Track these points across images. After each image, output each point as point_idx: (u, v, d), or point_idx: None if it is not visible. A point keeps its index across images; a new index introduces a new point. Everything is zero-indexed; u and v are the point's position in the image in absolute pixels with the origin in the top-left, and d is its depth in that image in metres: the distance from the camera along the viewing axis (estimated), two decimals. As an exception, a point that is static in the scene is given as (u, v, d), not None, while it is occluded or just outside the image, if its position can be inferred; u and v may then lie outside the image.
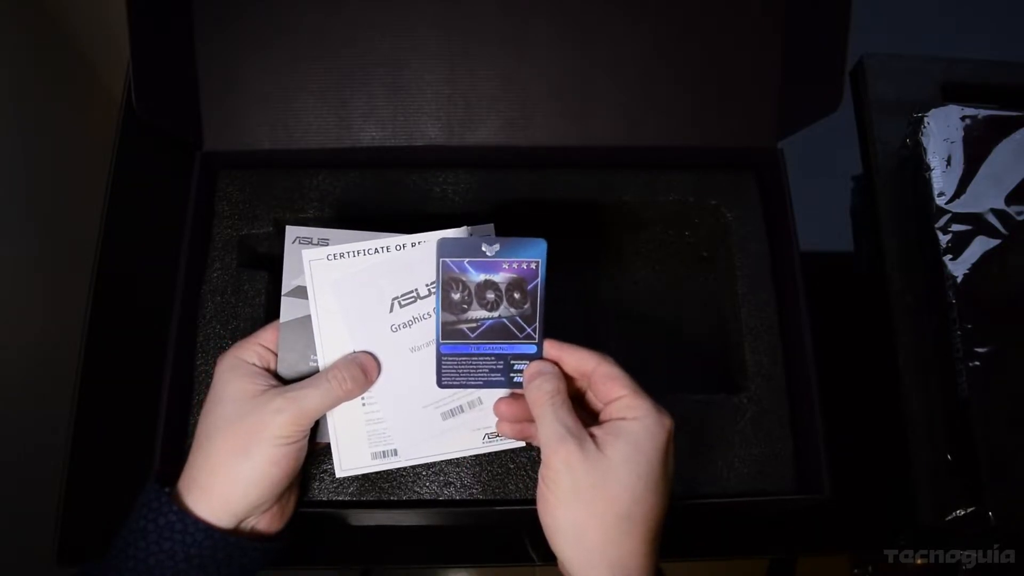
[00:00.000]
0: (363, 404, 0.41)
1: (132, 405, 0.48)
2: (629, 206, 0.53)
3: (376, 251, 0.41)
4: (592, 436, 0.36)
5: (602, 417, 0.38)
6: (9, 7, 0.66)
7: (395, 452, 0.41)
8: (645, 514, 0.35)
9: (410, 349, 0.41)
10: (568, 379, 0.39)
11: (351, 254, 0.41)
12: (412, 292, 0.41)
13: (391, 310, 0.41)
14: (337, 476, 0.41)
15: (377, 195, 0.52)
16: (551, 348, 0.39)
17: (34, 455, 0.64)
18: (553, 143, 0.51)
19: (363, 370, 0.40)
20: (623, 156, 0.53)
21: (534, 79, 0.51)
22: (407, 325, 0.41)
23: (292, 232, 0.43)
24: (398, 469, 0.46)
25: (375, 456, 0.41)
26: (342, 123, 0.51)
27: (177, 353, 0.45)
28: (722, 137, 0.52)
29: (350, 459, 0.41)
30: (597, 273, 0.55)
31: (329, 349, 0.41)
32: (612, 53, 0.51)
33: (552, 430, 0.36)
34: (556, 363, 0.39)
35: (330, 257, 0.40)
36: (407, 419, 0.41)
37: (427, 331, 0.41)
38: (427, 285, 0.41)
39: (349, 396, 0.40)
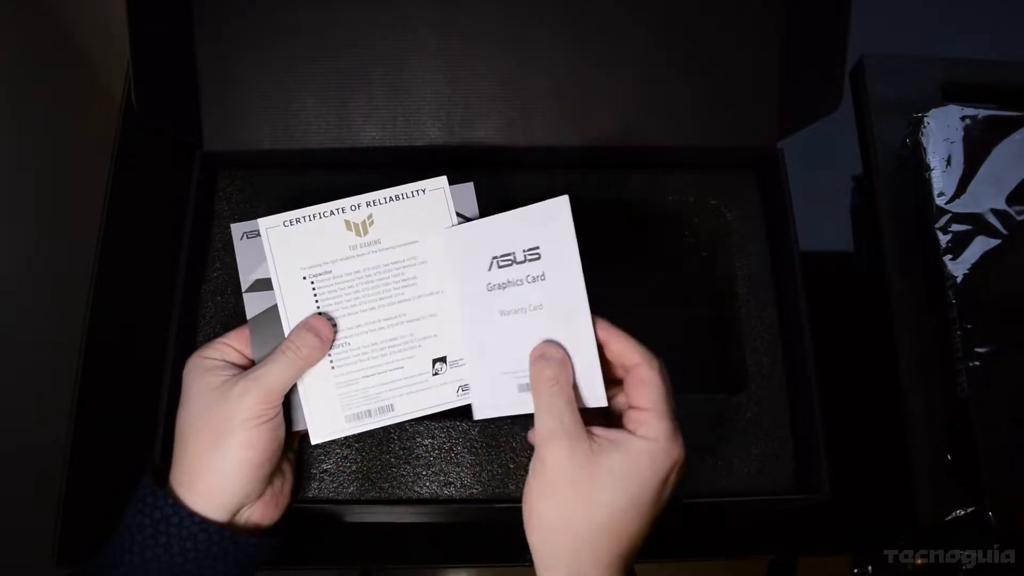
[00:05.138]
0: (332, 367, 0.41)
1: (132, 405, 0.48)
2: (629, 206, 0.53)
3: (326, 214, 0.41)
4: (593, 436, 0.35)
5: (621, 420, 0.37)
6: (9, 7, 0.66)
7: (391, 407, 0.41)
8: (621, 531, 0.34)
9: (500, 312, 0.40)
10: (608, 364, 0.38)
11: (306, 219, 0.41)
12: (510, 255, 0.40)
13: (489, 268, 0.40)
14: (313, 443, 0.41)
15: (377, 195, 0.52)
16: (600, 330, 0.37)
17: (34, 455, 0.64)
18: (553, 143, 0.51)
19: (314, 333, 0.40)
20: (623, 156, 0.53)
21: (534, 79, 0.51)
22: (501, 287, 0.40)
23: (238, 229, 0.43)
24: (396, 468, 0.46)
25: (350, 419, 0.41)
26: (342, 123, 0.51)
27: (177, 353, 0.45)
28: (722, 137, 0.52)
29: (324, 424, 0.41)
30: (596, 273, 0.55)
31: (293, 317, 0.41)
32: (612, 53, 0.51)
33: (544, 422, 0.35)
34: (601, 345, 0.37)
35: (286, 223, 0.41)
36: (483, 373, 0.41)
37: (515, 298, 0.40)
38: (524, 251, 0.40)
39: (310, 362, 0.40)
